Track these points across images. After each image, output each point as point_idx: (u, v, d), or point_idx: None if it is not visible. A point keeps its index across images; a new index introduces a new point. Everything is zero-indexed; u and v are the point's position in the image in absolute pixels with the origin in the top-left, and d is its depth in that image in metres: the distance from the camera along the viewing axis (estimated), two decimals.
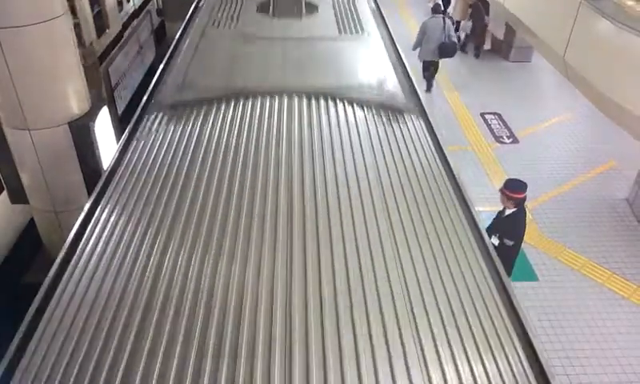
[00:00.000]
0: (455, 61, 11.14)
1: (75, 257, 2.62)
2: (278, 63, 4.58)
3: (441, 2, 10.50)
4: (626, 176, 7.90)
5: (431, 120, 3.99)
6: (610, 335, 5.64)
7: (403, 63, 5.04)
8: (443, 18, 9.77)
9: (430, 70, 10.24)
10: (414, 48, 10.07)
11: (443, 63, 10.51)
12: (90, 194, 3.21)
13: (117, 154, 3.46)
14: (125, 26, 8.65)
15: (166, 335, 2.13)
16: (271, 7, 5.62)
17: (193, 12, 6.19)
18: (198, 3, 6.48)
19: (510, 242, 5.15)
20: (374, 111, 3.91)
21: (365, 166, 3.24)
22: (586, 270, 6.46)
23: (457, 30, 11.82)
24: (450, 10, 12.10)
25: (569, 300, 6.05)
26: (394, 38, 5.64)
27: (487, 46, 12.23)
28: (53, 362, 2.06)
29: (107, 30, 7.91)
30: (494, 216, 5.47)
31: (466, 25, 12.34)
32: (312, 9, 5.80)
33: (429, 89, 10.36)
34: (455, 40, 10.04)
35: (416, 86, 4.56)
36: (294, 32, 5.24)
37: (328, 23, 5.53)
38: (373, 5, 6.53)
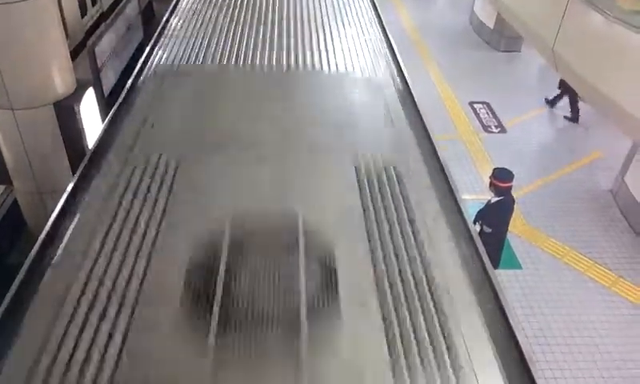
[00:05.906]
0: (446, 50, 11.32)
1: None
2: None
3: None
4: (611, 167, 8.00)
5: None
6: (591, 323, 5.75)
7: None
8: None
9: None
10: None
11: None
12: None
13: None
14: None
15: None
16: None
17: None
18: None
19: (487, 229, 5.20)
20: None
21: None
22: (569, 259, 6.56)
23: None
24: None
25: (551, 288, 6.15)
26: None
27: None
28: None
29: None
30: (482, 205, 5.52)
31: None
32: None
33: None
34: None
35: None
36: None
37: None
38: None
